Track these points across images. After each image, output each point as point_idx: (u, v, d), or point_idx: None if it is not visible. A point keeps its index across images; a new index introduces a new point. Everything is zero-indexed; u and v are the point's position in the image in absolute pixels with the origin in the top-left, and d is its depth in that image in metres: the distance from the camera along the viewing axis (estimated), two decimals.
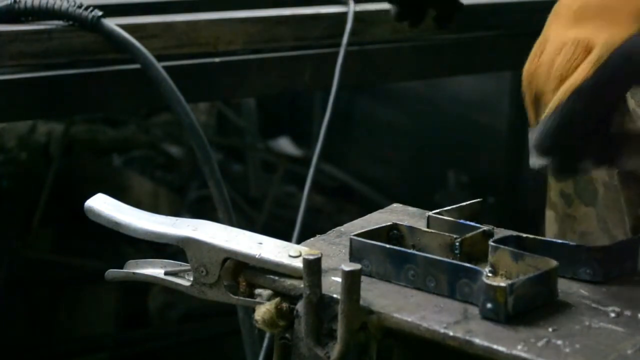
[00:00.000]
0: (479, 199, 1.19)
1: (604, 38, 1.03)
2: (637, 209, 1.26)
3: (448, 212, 1.15)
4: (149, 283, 1.16)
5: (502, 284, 0.97)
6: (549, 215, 1.41)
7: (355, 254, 1.08)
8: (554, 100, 1.02)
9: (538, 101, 1.07)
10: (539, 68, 1.08)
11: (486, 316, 0.97)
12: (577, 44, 1.04)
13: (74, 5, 1.75)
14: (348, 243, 1.09)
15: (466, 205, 1.18)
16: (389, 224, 1.12)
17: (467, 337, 0.94)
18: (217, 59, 1.92)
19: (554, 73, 1.05)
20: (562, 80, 1.04)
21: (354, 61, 2.05)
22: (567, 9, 1.10)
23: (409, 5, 1.37)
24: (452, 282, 1.01)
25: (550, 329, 0.96)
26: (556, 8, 1.12)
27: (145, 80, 1.78)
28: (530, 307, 0.99)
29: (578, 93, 1.01)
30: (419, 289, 1.03)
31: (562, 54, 1.05)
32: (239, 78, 1.98)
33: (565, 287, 1.05)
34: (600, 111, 1.04)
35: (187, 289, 1.10)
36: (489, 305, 0.97)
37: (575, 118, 1.02)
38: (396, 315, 0.98)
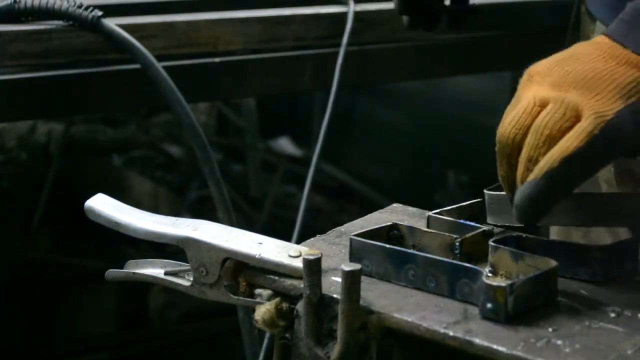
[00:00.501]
0: (478, 199, 1.19)
1: (595, 108, 1.02)
2: None
3: (448, 212, 1.15)
4: (149, 283, 1.16)
5: (502, 284, 0.97)
6: None
7: (355, 254, 1.08)
8: (543, 165, 1.01)
9: (512, 156, 1.06)
10: (518, 123, 1.06)
11: (486, 316, 0.97)
12: (566, 106, 1.03)
13: (74, 5, 1.75)
14: (348, 243, 1.09)
15: (466, 205, 1.18)
16: (388, 224, 1.12)
17: (467, 337, 0.94)
18: (217, 59, 1.92)
19: (541, 131, 1.03)
20: (551, 140, 1.03)
21: (354, 61, 2.05)
22: (542, 77, 1.08)
23: (422, 13, 1.38)
24: (452, 282, 1.01)
25: (550, 329, 0.96)
26: (529, 76, 1.09)
27: (145, 80, 1.78)
28: (530, 307, 0.99)
29: (569, 163, 1.01)
30: (419, 289, 1.03)
31: (551, 112, 1.04)
32: (239, 78, 1.97)
33: (565, 287, 1.05)
34: (584, 179, 1.04)
35: (187, 289, 1.10)
36: (489, 305, 0.97)
37: (562, 187, 1.02)
38: (396, 315, 0.98)
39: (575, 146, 1.01)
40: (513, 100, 1.09)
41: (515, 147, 1.05)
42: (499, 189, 1.12)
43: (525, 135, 1.05)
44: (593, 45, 1.10)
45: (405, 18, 1.40)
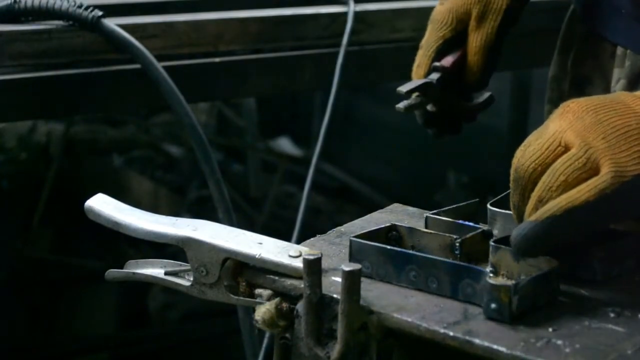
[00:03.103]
0: (475, 199, 1.19)
1: (616, 166, 1.01)
2: None
3: (445, 213, 1.16)
4: (149, 283, 1.16)
5: (507, 284, 0.97)
6: None
7: (355, 256, 1.08)
8: (547, 209, 1.01)
9: (526, 189, 1.06)
10: (539, 159, 1.05)
11: (490, 316, 0.97)
12: (589, 157, 1.02)
13: (74, 5, 1.75)
14: (348, 243, 1.09)
15: (463, 205, 1.18)
16: (387, 225, 1.12)
17: (467, 337, 0.94)
18: (217, 59, 1.92)
19: (557, 175, 1.03)
20: (566, 186, 1.02)
21: (354, 61, 2.05)
22: (575, 118, 1.06)
23: (445, 124, 1.39)
24: (455, 282, 1.01)
25: (550, 329, 0.96)
26: (563, 111, 1.07)
27: (145, 80, 1.78)
28: (533, 307, 0.99)
29: (573, 214, 1.00)
30: (420, 289, 1.03)
31: (572, 159, 1.02)
32: (239, 78, 1.98)
33: (566, 286, 1.05)
34: (587, 231, 1.04)
35: (187, 289, 1.10)
36: (493, 306, 0.97)
37: (560, 235, 1.02)
38: (396, 315, 0.98)
39: (584, 199, 1.00)
40: (540, 129, 1.08)
41: (531, 181, 1.04)
42: (502, 203, 1.11)
43: (542, 173, 1.04)
44: (635, 99, 1.07)
45: (430, 130, 1.41)
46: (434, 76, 1.33)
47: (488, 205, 1.12)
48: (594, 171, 1.02)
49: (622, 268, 1.09)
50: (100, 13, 1.76)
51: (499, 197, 1.13)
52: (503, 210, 1.11)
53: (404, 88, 1.30)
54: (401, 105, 1.30)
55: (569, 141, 1.04)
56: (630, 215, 1.07)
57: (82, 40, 1.77)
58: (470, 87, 1.37)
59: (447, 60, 1.34)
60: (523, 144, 1.07)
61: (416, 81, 1.33)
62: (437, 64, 1.32)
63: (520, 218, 1.06)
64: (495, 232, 1.11)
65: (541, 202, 1.03)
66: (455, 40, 1.35)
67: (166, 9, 1.96)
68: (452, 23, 1.34)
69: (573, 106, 1.07)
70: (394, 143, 3.97)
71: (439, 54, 1.34)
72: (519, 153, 1.07)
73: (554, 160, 1.04)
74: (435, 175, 3.68)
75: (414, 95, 1.31)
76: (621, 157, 1.02)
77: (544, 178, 1.03)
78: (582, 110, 1.06)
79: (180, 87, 1.77)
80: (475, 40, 1.34)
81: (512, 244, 1.02)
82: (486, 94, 1.38)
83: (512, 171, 1.07)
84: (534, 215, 1.02)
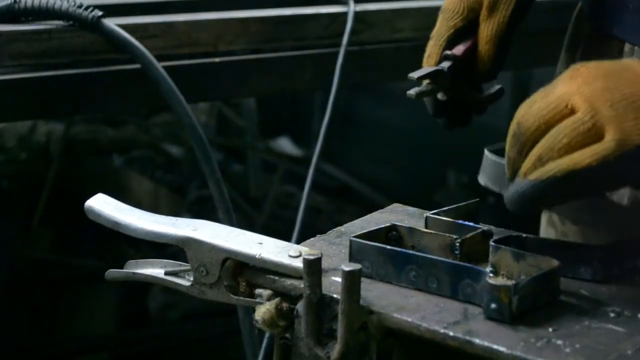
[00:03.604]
0: (475, 199, 1.19)
1: (620, 134, 1.01)
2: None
3: (445, 213, 1.15)
4: (149, 283, 1.16)
5: (507, 284, 0.97)
6: (548, 232, 1.42)
7: (355, 256, 1.08)
8: (547, 170, 1.01)
9: (525, 146, 1.06)
10: (543, 117, 1.05)
11: (490, 316, 0.97)
12: (594, 122, 1.02)
13: (74, 5, 1.75)
14: (348, 243, 1.09)
15: (463, 205, 1.18)
16: (387, 225, 1.12)
17: (467, 337, 0.94)
18: (217, 59, 1.92)
19: (561, 137, 1.03)
20: (567, 149, 1.02)
21: (354, 61, 2.05)
22: (584, 81, 1.05)
23: (456, 114, 1.39)
24: (454, 282, 1.01)
25: (550, 329, 0.96)
26: (573, 73, 1.07)
27: (145, 80, 1.78)
28: (533, 307, 0.99)
29: (573, 178, 1.00)
30: (420, 289, 1.03)
31: (578, 122, 1.02)
32: (239, 78, 1.97)
33: (566, 286, 1.05)
34: (584, 197, 1.04)
35: (187, 289, 1.10)
36: (493, 306, 0.97)
37: (558, 197, 1.03)
38: (396, 315, 0.98)
39: (586, 164, 1.00)
40: (547, 88, 1.08)
41: (532, 139, 1.04)
42: (500, 152, 1.11)
43: (544, 132, 1.04)
44: None
45: (442, 120, 1.41)
46: (445, 64, 1.32)
47: (485, 150, 1.12)
48: (598, 137, 1.02)
49: (622, 268, 1.09)
50: (100, 13, 1.76)
51: (495, 145, 1.13)
52: (498, 159, 1.10)
53: (415, 74, 1.29)
54: (412, 91, 1.29)
55: (575, 104, 1.04)
56: (629, 184, 1.07)
57: (82, 40, 1.77)
58: (481, 77, 1.37)
59: (459, 49, 1.33)
60: (528, 100, 1.07)
61: (427, 68, 1.33)
62: (448, 52, 1.32)
63: (513, 173, 1.06)
64: (482, 178, 1.11)
65: (540, 161, 1.03)
66: (466, 29, 1.34)
67: (166, 9, 1.96)
68: (463, 12, 1.34)
69: (583, 70, 1.07)
70: (394, 143, 3.97)
71: (450, 43, 1.34)
72: (522, 109, 1.06)
73: (558, 121, 1.04)
74: (435, 175, 3.68)
75: (425, 82, 1.31)
76: (627, 126, 1.02)
77: (546, 137, 1.03)
78: (592, 76, 1.06)
79: (180, 87, 1.77)
80: (487, 29, 1.33)
81: (507, 200, 1.02)
82: (497, 86, 1.37)
83: (513, 125, 1.07)
84: (533, 174, 1.02)
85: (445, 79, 1.30)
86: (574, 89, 1.05)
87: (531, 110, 1.06)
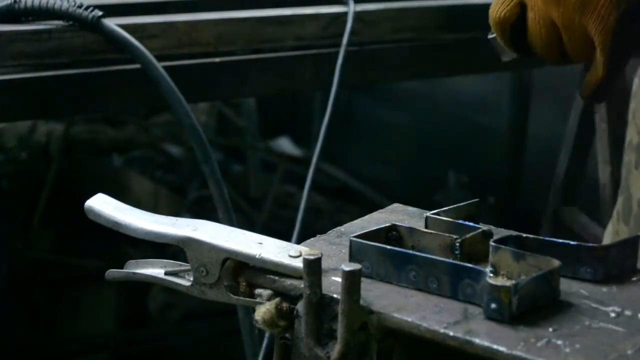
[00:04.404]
0: (475, 199, 1.19)
1: None
2: None
3: (445, 213, 1.15)
4: (149, 283, 1.16)
5: (507, 284, 0.97)
6: (608, 229, 1.44)
7: (355, 256, 1.08)
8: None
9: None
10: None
11: (490, 316, 0.97)
12: None
13: (74, 5, 1.75)
14: (348, 243, 1.09)
15: (463, 205, 1.18)
16: (387, 225, 1.12)
17: (467, 337, 0.94)
18: (217, 59, 1.92)
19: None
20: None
21: (354, 61, 2.05)
22: None
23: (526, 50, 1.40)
24: (454, 282, 1.01)
25: (550, 329, 0.96)
26: None
27: (145, 80, 1.78)
28: (533, 307, 0.99)
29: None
30: (420, 289, 1.03)
31: None
32: (239, 78, 1.98)
33: (566, 286, 1.05)
34: None
35: (187, 289, 1.10)
36: (493, 306, 0.97)
37: None
38: (396, 315, 0.98)
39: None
40: None
41: None
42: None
43: None
44: None
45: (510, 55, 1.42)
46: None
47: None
48: None
49: (622, 268, 1.09)
50: (100, 13, 1.76)
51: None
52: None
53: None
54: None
55: None
56: None
57: (82, 40, 1.77)
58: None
59: None
60: None
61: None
62: None
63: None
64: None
65: None
66: None
67: (166, 9, 1.96)
68: None
69: None
70: (394, 143, 3.97)
71: None
72: None
73: None
74: (435, 175, 3.68)
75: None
76: None
77: None
78: None
79: (180, 87, 1.77)
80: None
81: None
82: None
83: None
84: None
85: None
86: None
87: None
